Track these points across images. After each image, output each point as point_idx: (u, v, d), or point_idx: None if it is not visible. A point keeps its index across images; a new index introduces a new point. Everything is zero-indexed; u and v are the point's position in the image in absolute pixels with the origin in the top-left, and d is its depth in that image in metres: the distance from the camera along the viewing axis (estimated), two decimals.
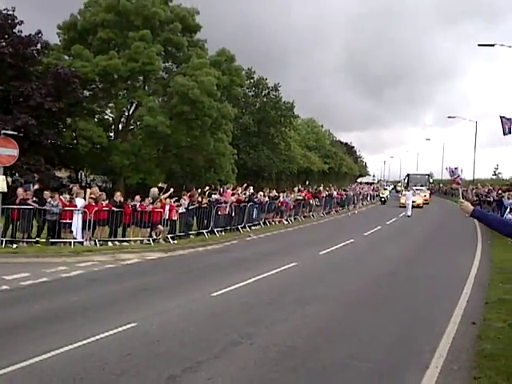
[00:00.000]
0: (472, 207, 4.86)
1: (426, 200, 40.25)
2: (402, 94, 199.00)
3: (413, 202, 32.58)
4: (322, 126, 71.04)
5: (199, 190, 18.72)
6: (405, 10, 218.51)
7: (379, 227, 21.55)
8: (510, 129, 34.78)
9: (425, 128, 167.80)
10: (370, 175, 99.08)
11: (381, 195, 43.45)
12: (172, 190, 16.20)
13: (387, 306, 8.34)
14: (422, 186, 46.96)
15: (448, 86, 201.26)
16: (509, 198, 16.42)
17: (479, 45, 25.12)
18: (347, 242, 16.37)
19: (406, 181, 54.77)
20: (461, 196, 5.83)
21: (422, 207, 35.63)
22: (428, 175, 56.26)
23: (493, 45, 24.73)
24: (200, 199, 17.15)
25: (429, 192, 46.72)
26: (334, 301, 8.60)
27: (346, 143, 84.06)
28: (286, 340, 6.33)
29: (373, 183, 66.47)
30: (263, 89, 45.01)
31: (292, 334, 6.63)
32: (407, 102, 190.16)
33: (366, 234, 19.01)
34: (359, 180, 75.00)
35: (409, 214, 28.90)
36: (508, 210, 16.89)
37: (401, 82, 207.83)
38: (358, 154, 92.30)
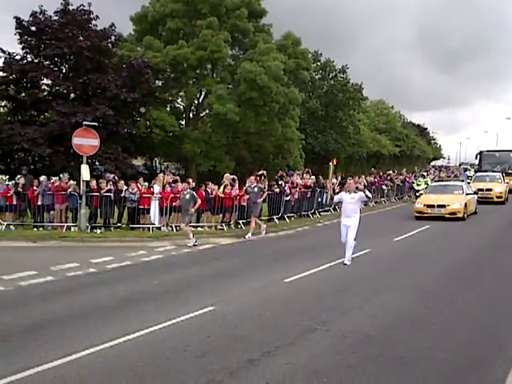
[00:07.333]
0: None
1: (500, 196, 23.80)
2: (481, 68, 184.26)
3: (441, 206, 17.95)
4: (392, 108, 68.62)
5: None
6: None
7: None
8: None
9: (506, 106, 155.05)
10: (444, 158, 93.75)
11: (415, 187, 25.95)
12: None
13: (466, 296, 8.00)
14: (505, 168, 30.27)
15: None
16: None
17: None
18: (422, 228, 15.86)
19: (478, 162, 34.15)
20: None
21: (463, 218, 17.98)
22: None
23: None
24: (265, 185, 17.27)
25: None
26: (409, 289, 8.40)
27: (419, 125, 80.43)
28: (361, 328, 6.30)
29: (448, 167, 62.29)
30: (330, 71, 44.07)
31: (368, 322, 6.57)
32: (487, 77, 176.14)
33: None
34: (433, 164, 71.23)
35: (346, 260, 10.33)
36: None
37: (480, 55, 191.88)
38: (431, 135, 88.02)
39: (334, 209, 20.53)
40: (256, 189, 14.88)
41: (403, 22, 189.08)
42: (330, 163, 11.92)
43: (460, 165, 68.60)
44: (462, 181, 25.54)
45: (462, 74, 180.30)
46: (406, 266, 10.45)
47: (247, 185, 15.22)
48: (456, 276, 9.52)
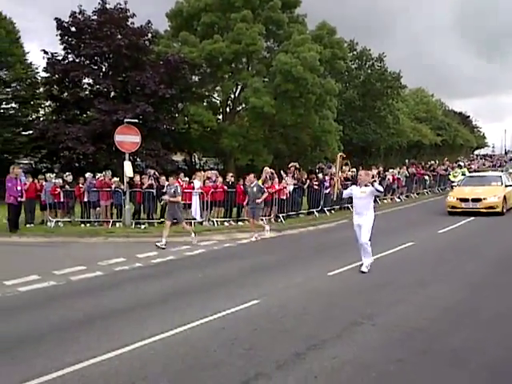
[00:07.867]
0: None
1: None
2: None
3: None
4: (432, 96, 66.72)
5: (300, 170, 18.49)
6: None
7: None
8: None
9: None
10: (488, 146, 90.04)
11: (451, 179, 24.40)
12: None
13: None
14: None
15: None
16: None
17: None
18: (467, 220, 15.41)
19: None
20: None
21: (502, 213, 16.52)
22: None
23: None
24: (304, 178, 17.21)
25: None
26: (457, 281, 8.20)
27: (461, 112, 77.96)
28: (409, 321, 6.20)
29: (493, 155, 59.46)
30: (367, 60, 43.19)
31: (415, 315, 6.46)
32: None
33: None
34: (476, 152, 68.37)
35: (364, 267, 9.02)
36: None
37: None
38: (474, 123, 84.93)
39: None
40: (255, 188, 13.25)
41: (443, 6, 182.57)
42: (338, 156, 11.11)
43: (506, 153, 65.07)
44: (504, 170, 23.98)
45: (504, 59, 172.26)
46: (453, 258, 10.19)
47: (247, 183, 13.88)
48: (506, 269, 9.22)
